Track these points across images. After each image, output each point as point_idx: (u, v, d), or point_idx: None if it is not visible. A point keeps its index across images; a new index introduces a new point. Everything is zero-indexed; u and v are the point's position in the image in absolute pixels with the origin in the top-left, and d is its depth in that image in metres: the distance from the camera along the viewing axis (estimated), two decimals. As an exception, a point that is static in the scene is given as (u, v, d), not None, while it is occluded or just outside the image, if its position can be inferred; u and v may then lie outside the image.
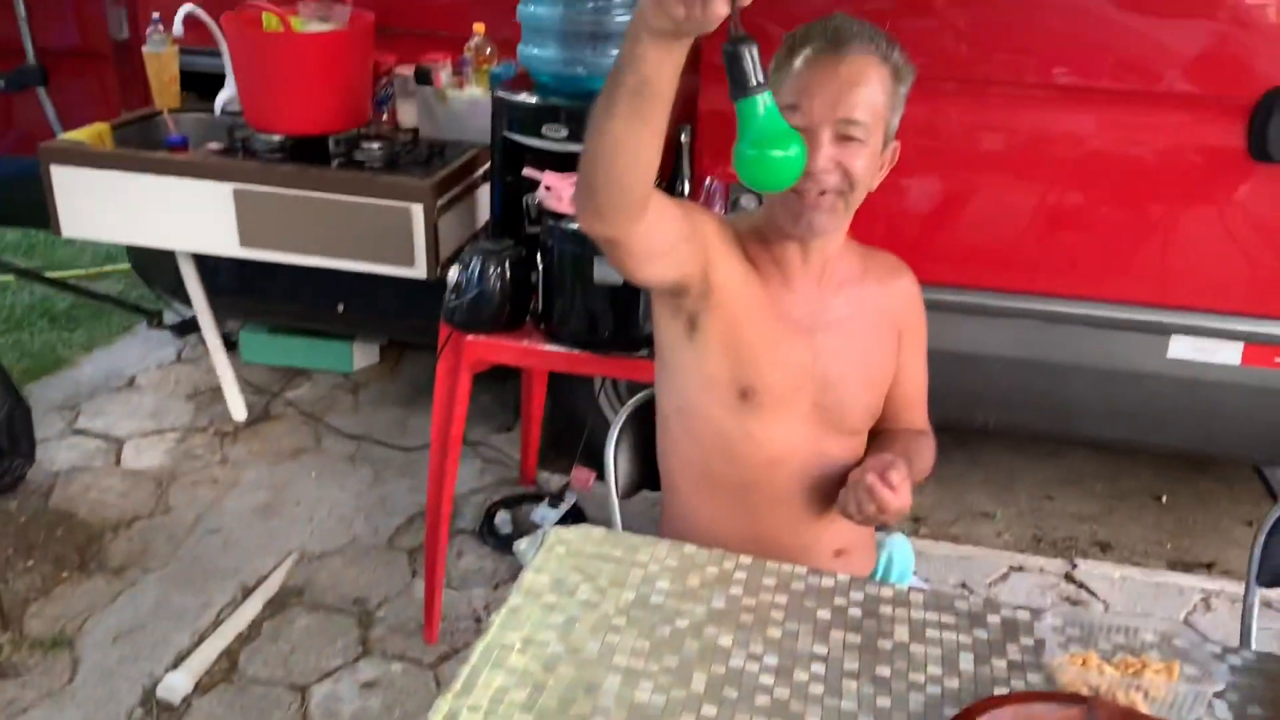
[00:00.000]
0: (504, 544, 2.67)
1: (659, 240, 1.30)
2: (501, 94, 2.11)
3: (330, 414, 3.27)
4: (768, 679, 1.13)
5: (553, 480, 2.96)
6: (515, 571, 2.58)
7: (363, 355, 3.51)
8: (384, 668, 2.29)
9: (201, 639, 2.33)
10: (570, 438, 2.86)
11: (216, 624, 2.38)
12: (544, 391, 2.87)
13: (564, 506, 2.74)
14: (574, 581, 1.27)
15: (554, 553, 1.33)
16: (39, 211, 2.49)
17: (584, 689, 1.10)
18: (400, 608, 2.47)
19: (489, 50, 2.47)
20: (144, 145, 2.54)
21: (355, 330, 3.41)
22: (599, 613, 1.22)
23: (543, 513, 2.74)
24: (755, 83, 0.97)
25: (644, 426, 1.65)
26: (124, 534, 2.68)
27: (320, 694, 2.22)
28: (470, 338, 2.09)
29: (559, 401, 2.91)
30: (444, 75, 2.48)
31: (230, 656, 2.30)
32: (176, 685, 2.18)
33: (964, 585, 2.63)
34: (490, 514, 2.76)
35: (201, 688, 2.21)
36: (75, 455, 3.00)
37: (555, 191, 1.99)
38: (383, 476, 2.97)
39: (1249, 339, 2.39)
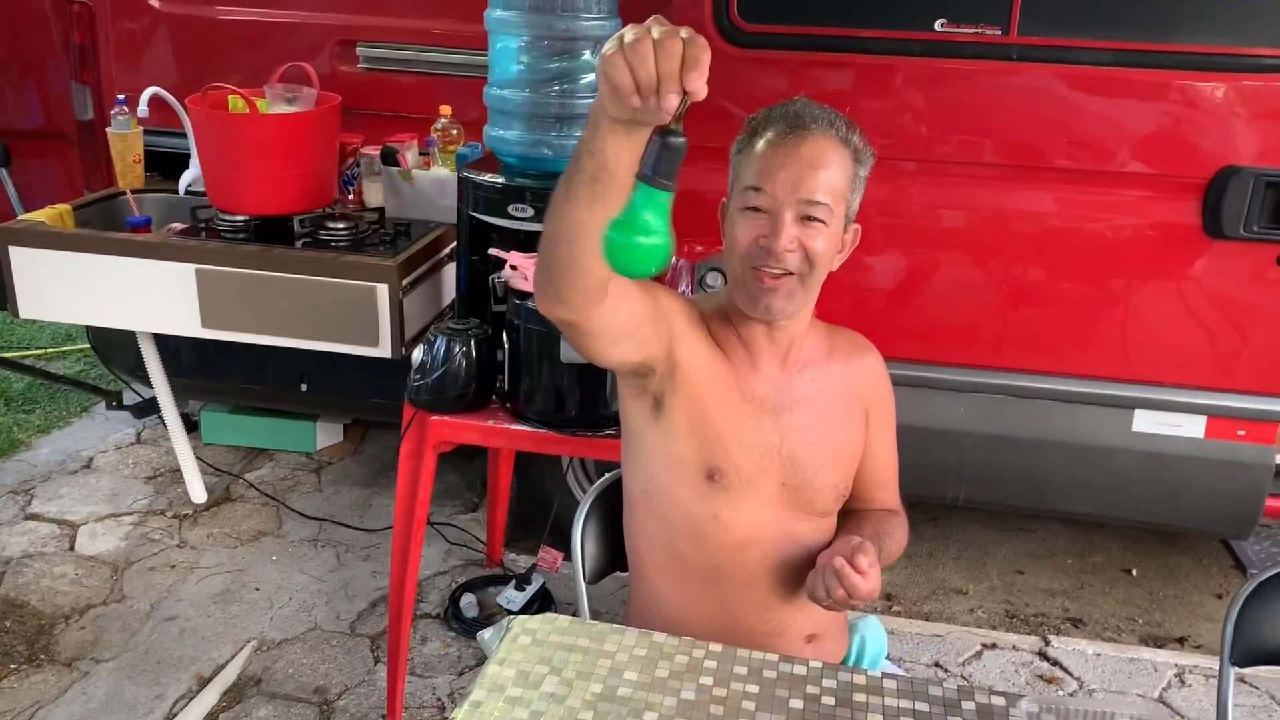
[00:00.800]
0: (470, 628, 2.60)
1: (620, 323, 1.29)
2: (467, 174, 2.12)
3: (292, 495, 3.21)
4: (739, 774, 1.10)
5: (520, 561, 2.91)
6: (481, 657, 2.52)
7: (326, 435, 3.45)
8: (344, 760, 2.22)
9: (154, 733, 2.25)
10: (538, 518, 2.82)
11: (171, 717, 2.30)
12: (510, 471, 2.83)
13: (531, 589, 2.69)
14: (539, 673, 1.24)
15: (518, 643, 1.29)
16: (-3, 292, 2.46)
17: (549, 788, 1.06)
18: (362, 696, 2.39)
19: (455, 131, 2.50)
20: (106, 225, 2.52)
21: (318, 410, 3.37)
22: (565, 707, 1.18)
23: (509, 595, 2.69)
24: (665, 180, 0.97)
25: (613, 507, 1.62)
26: (76, 623, 2.59)
27: (277, 790, 2.14)
28: (435, 418, 2.06)
29: (526, 481, 2.88)
30: (410, 156, 2.50)
31: (184, 751, 2.22)
32: (126, 783, 2.10)
33: (937, 664, 2.59)
34: (456, 597, 2.70)
35: (153, 785, 2.13)
36: (27, 541, 2.92)
37: (521, 270, 1.99)
38: (345, 560, 2.91)
39: (1212, 412, 2.41)
